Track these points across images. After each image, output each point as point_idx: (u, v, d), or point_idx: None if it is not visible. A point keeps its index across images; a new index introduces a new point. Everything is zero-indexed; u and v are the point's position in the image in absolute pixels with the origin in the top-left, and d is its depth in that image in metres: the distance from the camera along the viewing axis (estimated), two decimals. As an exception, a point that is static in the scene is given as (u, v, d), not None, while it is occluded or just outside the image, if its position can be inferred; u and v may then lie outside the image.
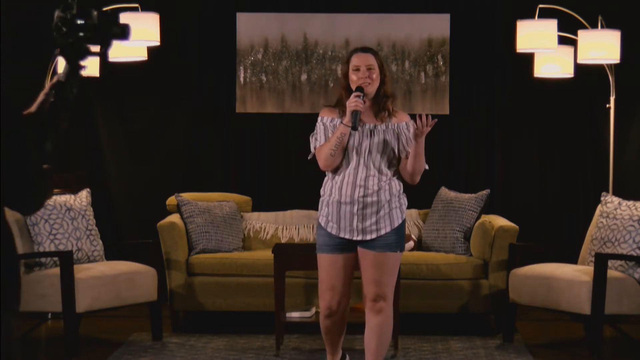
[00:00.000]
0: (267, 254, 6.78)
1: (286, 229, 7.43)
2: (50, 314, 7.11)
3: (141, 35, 6.96)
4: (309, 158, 5.12)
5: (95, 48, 2.39)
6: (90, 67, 7.16)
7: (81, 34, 2.33)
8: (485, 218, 7.06)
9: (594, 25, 7.16)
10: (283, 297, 6.20)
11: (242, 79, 7.93)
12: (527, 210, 7.87)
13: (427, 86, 7.88)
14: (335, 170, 4.96)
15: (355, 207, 4.89)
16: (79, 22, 2.32)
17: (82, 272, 6.25)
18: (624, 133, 7.71)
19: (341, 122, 4.89)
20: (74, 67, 2.36)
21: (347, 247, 4.94)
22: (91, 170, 7.83)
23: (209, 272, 6.90)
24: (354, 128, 4.84)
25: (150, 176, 7.95)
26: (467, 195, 7.18)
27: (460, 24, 7.87)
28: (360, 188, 4.90)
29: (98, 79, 7.46)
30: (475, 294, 6.81)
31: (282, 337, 6.28)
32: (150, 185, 7.92)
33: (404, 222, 4.98)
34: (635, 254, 6.23)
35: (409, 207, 5.11)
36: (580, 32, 7.12)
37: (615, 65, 7.28)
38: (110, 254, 6.95)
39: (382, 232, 4.90)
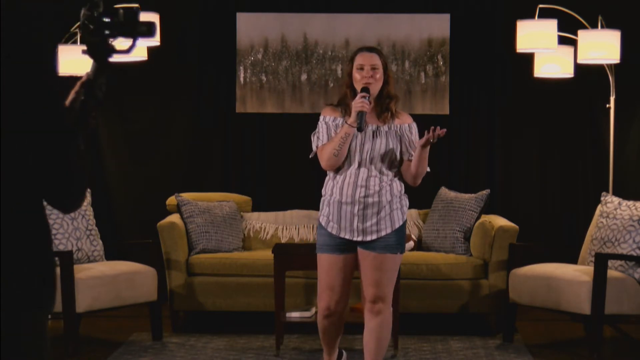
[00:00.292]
0: (267, 254, 6.78)
1: (286, 229, 7.43)
2: (50, 314, 7.11)
3: (141, 35, 6.95)
4: (310, 157, 5.12)
5: (120, 46, 2.40)
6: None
7: (107, 32, 2.34)
8: (485, 218, 7.06)
9: (594, 25, 7.16)
10: (283, 297, 6.20)
11: (242, 79, 7.93)
12: (527, 210, 7.87)
13: (427, 86, 7.88)
14: (337, 170, 4.95)
15: (356, 208, 4.89)
16: (105, 20, 2.33)
17: (82, 272, 6.25)
18: (624, 133, 7.70)
19: (345, 122, 4.89)
20: (101, 65, 2.37)
21: (347, 247, 4.94)
22: (91, 170, 7.83)
23: (209, 272, 6.90)
24: (360, 129, 4.83)
25: (150, 176, 7.95)
26: (467, 195, 7.18)
27: (460, 24, 7.87)
28: (361, 188, 4.89)
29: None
30: (475, 294, 6.81)
31: (282, 337, 6.28)
32: (150, 185, 7.92)
33: (404, 223, 4.97)
34: (635, 254, 6.23)
35: (409, 207, 5.10)
36: (580, 32, 7.12)
37: (615, 65, 7.28)
38: (110, 254, 6.95)
39: (383, 233, 4.89)
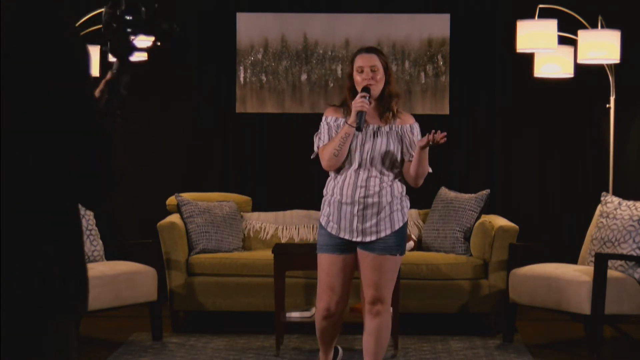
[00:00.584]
0: (267, 254, 6.78)
1: (286, 229, 7.43)
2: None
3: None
4: (312, 157, 5.11)
5: (142, 44, 2.40)
6: (92, 67, 7.14)
7: (129, 30, 2.34)
8: (485, 218, 7.06)
9: (594, 25, 7.15)
10: (283, 297, 6.20)
11: (242, 79, 7.93)
12: (527, 210, 7.87)
13: (427, 86, 7.88)
14: (338, 171, 4.95)
15: (356, 208, 4.89)
16: (127, 18, 2.33)
17: (82, 272, 6.24)
18: (624, 133, 7.70)
19: (345, 122, 4.89)
20: (124, 63, 2.37)
21: (347, 247, 4.94)
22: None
23: (209, 272, 6.90)
24: (359, 129, 4.83)
25: (150, 176, 7.95)
26: (467, 195, 7.18)
27: (460, 24, 7.87)
28: (361, 189, 4.89)
29: (98, 79, 7.44)
30: (475, 294, 6.81)
31: (282, 337, 6.28)
32: (150, 185, 7.92)
33: (405, 225, 4.96)
34: (635, 254, 6.23)
35: (409, 208, 5.09)
36: (580, 32, 7.11)
37: (615, 65, 7.28)
38: (110, 254, 6.95)
39: (382, 234, 4.89)
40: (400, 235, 4.93)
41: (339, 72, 7.84)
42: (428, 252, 7.12)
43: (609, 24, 7.12)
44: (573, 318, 6.81)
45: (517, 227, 6.84)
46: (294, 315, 6.28)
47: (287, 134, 7.92)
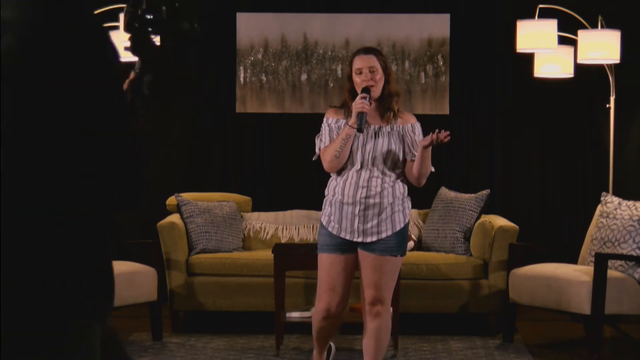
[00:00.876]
0: (267, 254, 6.78)
1: (286, 229, 7.43)
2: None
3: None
4: (313, 159, 5.11)
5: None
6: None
7: (150, 29, 2.33)
8: (485, 218, 7.06)
9: (594, 25, 7.15)
10: (283, 297, 6.20)
11: (242, 79, 7.92)
12: (527, 210, 7.87)
13: (427, 86, 7.88)
14: (340, 171, 4.95)
15: (357, 208, 4.88)
16: (148, 17, 2.33)
17: (82, 272, 6.24)
18: (624, 133, 7.70)
19: (346, 124, 4.88)
20: (146, 63, 2.36)
21: (348, 248, 4.94)
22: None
23: (209, 272, 6.90)
24: (360, 130, 4.83)
25: (150, 176, 7.90)
26: (467, 195, 7.18)
27: (460, 24, 7.87)
28: (362, 189, 4.89)
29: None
30: (475, 294, 6.81)
31: (282, 337, 6.28)
32: (150, 185, 7.87)
33: (406, 225, 4.95)
34: (635, 254, 6.23)
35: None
36: (580, 32, 7.11)
37: (615, 65, 7.28)
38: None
39: (383, 235, 4.88)
40: (402, 236, 4.92)
41: (339, 72, 7.84)
42: (428, 252, 7.12)
43: (609, 24, 7.12)
44: (573, 318, 6.81)
45: (517, 227, 6.84)
46: (294, 315, 6.28)
47: (287, 134, 7.91)
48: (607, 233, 6.39)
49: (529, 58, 7.44)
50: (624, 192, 7.05)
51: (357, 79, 4.94)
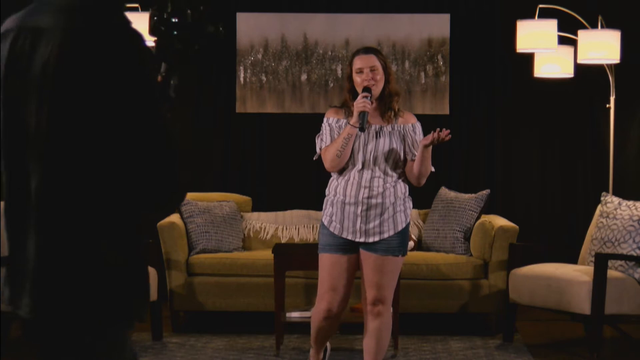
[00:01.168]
0: (267, 254, 6.78)
1: (286, 229, 7.43)
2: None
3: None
4: (314, 159, 5.11)
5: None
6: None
7: (175, 32, 2.33)
8: (485, 218, 7.06)
9: (594, 25, 7.16)
10: (283, 297, 6.20)
11: (242, 79, 7.93)
12: (527, 210, 7.87)
13: (427, 86, 7.88)
14: (341, 171, 4.95)
15: (359, 209, 4.88)
16: (173, 20, 2.32)
17: (82, 272, 6.25)
18: (624, 133, 7.71)
19: (348, 123, 4.88)
20: (172, 67, 2.36)
21: (349, 248, 4.94)
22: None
23: (209, 272, 6.90)
24: (362, 129, 4.83)
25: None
26: (467, 195, 7.18)
27: (460, 24, 7.87)
28: (365, 189, 4.89)
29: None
30: (475, 294, 6.81)
31: (282, 337, 6.28)
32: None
33: (407, 225, 4.96)
34: (635, 254, 6.23)
35: (410, 208, 5.08)
36: (580, 32, 7.12)
37: (615, 65, 7.28)
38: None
39: (385, 235, 4.89)
40: (403, 236, 4.93)
41: (339, 72, 7.84)
42: (428, 252, 7.12)
43: (609, 24, 7.13)
44: (573, 318, 6.80)
45: (517, 227, 6.84)
46: (294, 315, 6.28)
47: (287, 134, 7.92)
48: (607, 233, 6.39)
49: (529, 58, 7.45)
50: (624, 192, 7.05)
51: (357, 78, 4.94)
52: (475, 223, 7.02)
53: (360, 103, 4.82)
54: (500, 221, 6.97)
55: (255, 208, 7.64)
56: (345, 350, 6.27)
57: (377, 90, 4.94)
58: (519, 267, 6.53)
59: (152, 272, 6.58)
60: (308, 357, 5.49)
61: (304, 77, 7.91)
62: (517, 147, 7.95)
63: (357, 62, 4.96)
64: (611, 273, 6.13)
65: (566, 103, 7.86)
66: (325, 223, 4.96)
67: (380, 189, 4.88)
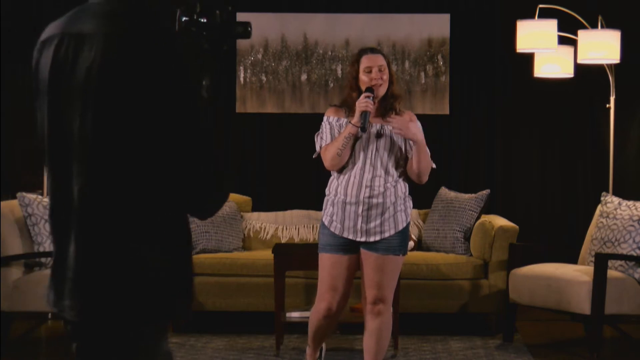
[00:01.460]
0: (267, 254, 6.78)
1: (286, 229, 7.43)
2: (50, 314, 7.11)
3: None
4: (314, 157, 5.10)
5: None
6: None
7: (204, 33, 2.34)
8: (485, 218, 7.06)
9: (594, 25, 7.15)
10: (283, 297, 6.20)
11: (242, 79, 7.93)
12: (527, 210, 7.87)
13: (427, 86, 7.88)
14: (341, 170, 4.95)
15: (360, 208, 4.88)
16: (202, 20, 2.33)
17: (82, 272, 6.24)
18: (624, 133, 7.71)
19: (349, 122, 4.88)
20: (203, 66, 2.37)
21: (350, 247, 4.94)
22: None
23: (209, 272, 6.90)
24: (363, 129, 4.83)
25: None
26: (467, 195, 7.18)
27: (460, 24, 7.87)
28: (366, 189, 4.88)
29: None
30: (475, 294, 6.81)
31: (282, 337, 6.28)
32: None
33: (408, 225, 4.96)
34: (635, 254, 6.23)
35: (410, 208, 5.09)
36: (580, 32, 7.12)
37: (615, 65, 7.28)
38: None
39: (386, 234, 4.89)
40: (404, 235, 4.93)
41: (339, 72, 7.84)
42: (428, 252, 7.13)
43: (609, 24, 7.13)
44: (573, 318, 6.80)
45: (517, 227, 6.84)
46: (294, 315, 6.28)
47: (287, 134, 7.92)
48: (607, 233, 6.39)
49: (529, 58, 7.45)
50: (624, 192, 7.05)
51: (365, 77, 4.92)
52: (475, 223, 7.02)
53: (363, 103, 4.83)
54: (500, 221, 6.97)
55: (255, 208, 7.64)
56: (345, 350, 6.27)
57: (382, 90, 4.94)
58: (519, 267, 6.54)
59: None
60: (305, 357, 5.49)
61: (304, 77, 7.92)
62: (517, 147, 7.95)
63: (365, 61, 4.94)
64: (611, 273, 6.13)
65: (566, 103, 7.86)
66: (326, 223, 4.96)
67: (382, 189, 4.88)
